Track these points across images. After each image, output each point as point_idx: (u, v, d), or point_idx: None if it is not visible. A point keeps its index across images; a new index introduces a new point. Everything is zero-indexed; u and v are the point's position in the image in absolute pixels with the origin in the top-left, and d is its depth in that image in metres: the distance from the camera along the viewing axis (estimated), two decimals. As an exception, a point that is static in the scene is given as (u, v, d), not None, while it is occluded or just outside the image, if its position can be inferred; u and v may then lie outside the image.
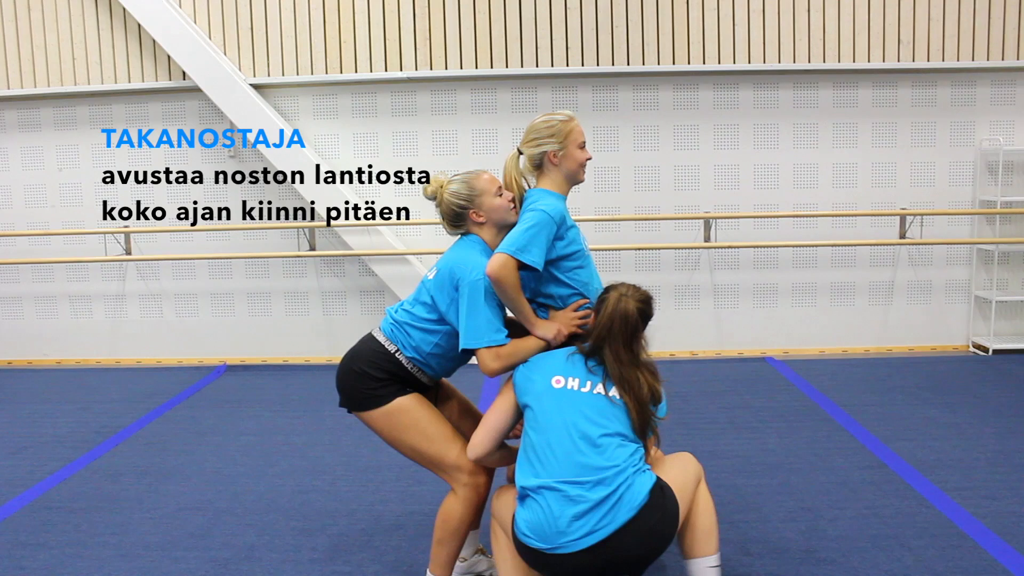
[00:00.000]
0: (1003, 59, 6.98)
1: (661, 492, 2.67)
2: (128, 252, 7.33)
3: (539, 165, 3.17)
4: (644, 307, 2.89)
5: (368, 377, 3.07)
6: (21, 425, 5.77)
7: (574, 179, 3.19)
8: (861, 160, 7.15)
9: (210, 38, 7.04)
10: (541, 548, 2.63)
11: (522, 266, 2.95)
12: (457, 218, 3.17)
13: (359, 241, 7.03)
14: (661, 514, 2.64)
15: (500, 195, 3.13)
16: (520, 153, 3.20)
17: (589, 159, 3.21)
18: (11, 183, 7.47)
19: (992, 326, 7.13)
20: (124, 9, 7.00)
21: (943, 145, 7.15)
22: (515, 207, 3.15)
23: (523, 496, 2.72)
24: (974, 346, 7.29)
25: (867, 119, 7.12)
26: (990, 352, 7.08)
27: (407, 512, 4.15)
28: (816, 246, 7.15)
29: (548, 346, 3.04)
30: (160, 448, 5.19)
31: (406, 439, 3.09)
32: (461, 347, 2.99)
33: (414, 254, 7.00)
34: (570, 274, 3.12)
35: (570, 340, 3.07)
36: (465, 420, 3.39)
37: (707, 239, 7.06)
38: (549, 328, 3.06)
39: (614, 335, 2.82)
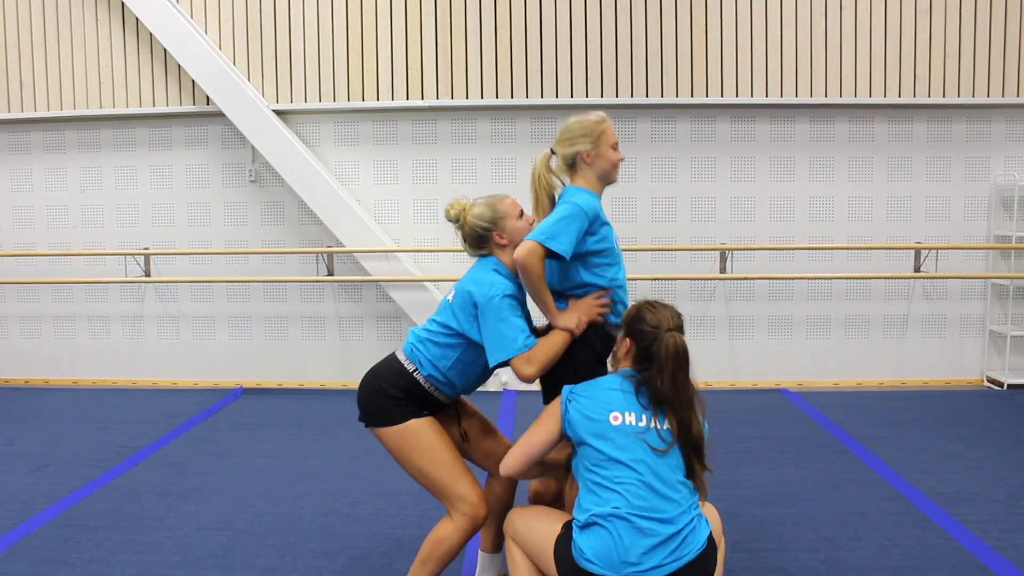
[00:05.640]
0: (1018, 95, 7.03)
1: (713, 541, 2.74)
2: (147, 274, 7.39)
3: (572, 164, 3.22)
4: (682, 332, 2.90)
5: (385, 395, 3.11)
6: (40, 443, 5.81)
7: (607, 179, 3.25)
8: (876, 194, 7.20)
9: (234, 64, 7.14)
10: (603, 575, 2.66)
11: (549, 254, 2.99)
12: (480, 240, 3.21)
13: (377, 267, 7.08)
14: (713, 563, 2.71)
15: (522, 218, 3.19)
16: (553, 153, 3.26)
17: (622, 159, 3.27)
18: (34, 203, 7.56)
19: (1007, 361, 7.13)
20: (151, 34, 7.12)
21: (958, 180, 7.20)
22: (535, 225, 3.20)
23: (590, 523, 2.71)
24: (988, 380, 7.28)
25: (883, 154, 7.18)
26: (1005, 387, 7.07)
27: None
28: (831, 279, 7.18)
29: (572, 337, 3.08)
30: (179, 468, 5.22)
31: (414, 460, 3.12)
32: (492, 363, 3.03)
33: (432, 281, 7.04)
34: (597, 270, 3.15)
35: (589, 329, 3.10)
36: (487, 439, 3.41)
37: (723, 270, 7.10)
38: (570, 318, 3.09)
39: (677, 376, 2.80)
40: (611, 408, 2.81)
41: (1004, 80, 7.06)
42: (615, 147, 3.23)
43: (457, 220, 3.25)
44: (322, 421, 6.32)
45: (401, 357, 3.18)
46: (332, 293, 7.39)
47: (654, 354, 2.81)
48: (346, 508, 4.55)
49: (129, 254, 7.35)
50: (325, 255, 7.20)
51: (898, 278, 7.20)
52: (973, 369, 7.37)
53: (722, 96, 7.04)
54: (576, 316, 3.10)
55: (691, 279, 7.20)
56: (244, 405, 6.84)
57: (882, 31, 6.99)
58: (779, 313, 7.28)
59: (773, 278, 7.15)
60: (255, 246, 7.36)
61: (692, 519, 2.70)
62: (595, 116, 3.23)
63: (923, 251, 7.09)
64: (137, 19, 7.13)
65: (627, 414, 2.79)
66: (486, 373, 3.22)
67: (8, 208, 7.60)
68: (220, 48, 7.14)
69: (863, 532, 4.12)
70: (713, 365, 7.32)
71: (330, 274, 7.22)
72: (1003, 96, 7.04)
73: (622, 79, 7.03)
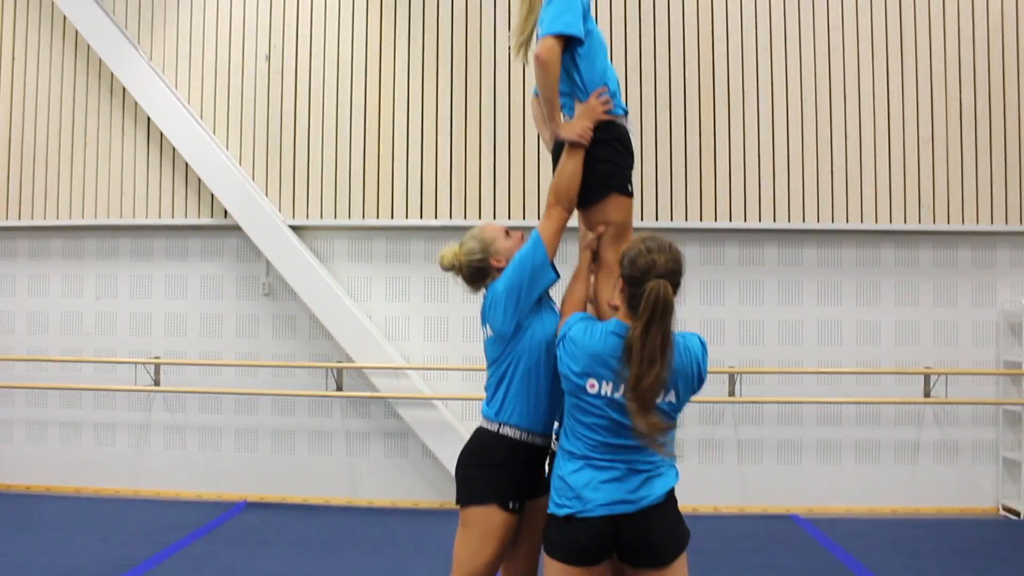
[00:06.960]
0: (1021, 223, 7.15)
1: (673, 495, 2.83)
2: (157, 383, 7.41)
3: None
4: (677, 279, 2.87)
5: (478, 466, 3.09)
6: (37, 554, 5.71)
7: None
8: (884, 318, 7.23)
9: (253, 179, 7.32)
10: (571, 513, 2.73)
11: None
12: (479, 273, 3.30)
13: (386, 384, 7.09)
14: (672, 523, 2.79)
15: (509, 236, 3.28)
16: None
17: None
18: (49, 309, 7.65)
19: (1023, 489, 7.03)
20: (174, 148, 7.32)
21: (965, 305, 7.25)
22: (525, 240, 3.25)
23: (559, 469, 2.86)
24: (1004, 509, 7.16)
25: (890, 278, 7.25)
26: (1021, 516, 6.94)
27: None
28: (840, 403, 7.15)
29: (583, 147, 3.10)
30: (179, 588, 5.13)
31: (472, 541, 3.05)
32: (545, 254, 3.11)
33: (441, 399, 7.03)
34: (588, 62, 3.14)
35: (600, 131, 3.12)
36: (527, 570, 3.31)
37: (731, 393, 7.08)
38: (573, 127, 3.10)
39: (649, 326, 2.74)
40: (590, 374, 2.81)
41: (1007, 208, 7.18)
42: None
43: (453, 267, 3.30)
44: (326, 538, 6.23)
45: (483, 424, 3.16)
46: (340, 408, 7.38)
47: (640, 300, 2.77)
48: (348, 635, 4.45)
49: (140, 363, 7.38)
50: (334, 370, 7.22)
51: (908, 403, 7.16)
52: (988, 497, 7.26)
53: (730, 220, 7.16)
54: (581, 124, 3.09)
55: (700, 402, 7.17)
56: (247, 519, 6.75)
57: (886, 159, 7.16)
58: (789, 437, 7.23)
59: (782, 402, 7.13)
60: (266, 359, 7.40)
61: (654, 465, 2.77)
62: None
63: (933, 376, 7.08)
64: (161, 133, 7.35)
65: (604, 384, 2.79)
66: (556, 385, 3.10)
67: (24, 313, 7.68)
68: (240, 164, 7.33)
69: (879, 674, 4.01)
70: (722, 489, 7.22)
71: (339, 389, 7.22)
72: (1007, 223, 7.15)
73: (632, 202, 7.14)
